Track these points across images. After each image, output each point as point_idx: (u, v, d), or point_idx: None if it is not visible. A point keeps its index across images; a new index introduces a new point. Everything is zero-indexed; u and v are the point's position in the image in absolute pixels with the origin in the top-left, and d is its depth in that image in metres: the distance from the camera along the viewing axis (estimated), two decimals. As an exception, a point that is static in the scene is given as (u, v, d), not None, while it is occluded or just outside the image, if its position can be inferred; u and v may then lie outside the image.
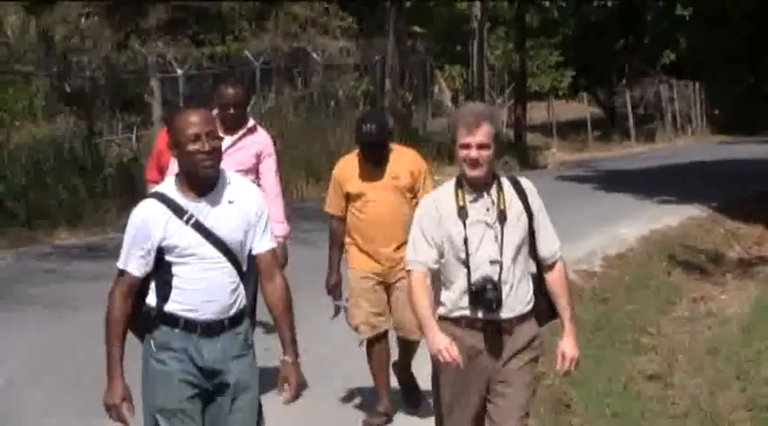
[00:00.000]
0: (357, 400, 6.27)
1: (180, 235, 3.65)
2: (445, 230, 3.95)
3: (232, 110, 5.76)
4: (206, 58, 20.26)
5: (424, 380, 5.45)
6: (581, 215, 13.34)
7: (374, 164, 5.63)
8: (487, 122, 3.93)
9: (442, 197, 4.03)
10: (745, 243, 13.86)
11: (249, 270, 3.80)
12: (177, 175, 3.73)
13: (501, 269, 3.91)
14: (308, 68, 21.70)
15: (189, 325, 3.68)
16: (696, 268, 11.75)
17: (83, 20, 20.07)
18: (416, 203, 5.56)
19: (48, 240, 12.12)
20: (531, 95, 30.68)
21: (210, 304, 3.68)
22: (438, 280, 4.02)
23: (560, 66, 34.63)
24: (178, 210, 3.66)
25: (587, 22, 31.33)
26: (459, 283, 3.95)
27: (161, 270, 3.69)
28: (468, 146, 3.90)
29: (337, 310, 5.80)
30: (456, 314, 3.98)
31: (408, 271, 4.03)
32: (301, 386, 3.83)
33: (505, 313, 3.94)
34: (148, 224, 3.66)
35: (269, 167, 5.98)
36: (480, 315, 3.94)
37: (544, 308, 4.08)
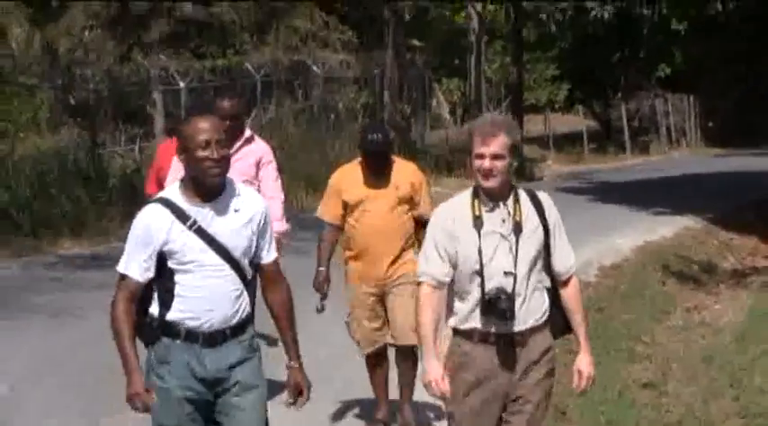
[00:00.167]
0: (356, 403, 6.30)
1: (182, 241, 3.60)
2: (459, 240, 3.87)
3: (228, 122, 5.66)
4: (207, 71, 20.32)
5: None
6: (577, 225, 13.25)
7: (376, 173, 5.57)
8: (504, 133, 3.83)
9: (457, 206, 3.95)
10: (738, 253, 13.89)
11: (252, 278, 3.79)
12: (183, 181, 3.69)
13: (515, 281, 3.84)
14: (308, 81, 21.77)
15: (191, 336, 3.64)
16: (690, 278, 11.77)
17: (86, 33, 20.10)
18: (417, 216, 5.59)
19: (52, 249, 12.15)
20: (527, 108, 30.77)
21: (213, 312, 3.64)
22: (451, 291, 3.95)
23: (557, 79, 34.76)
24: (182, 215, 3.62)
25: (583, 36, 31.41)
26: (473, 293, 3.87)
27: (163, 277, 3.65)
28: (482, 156, 3.82)
29: (321, 308, 5.68)
30: (468, 325, 3.90)
31: (419, 283, 3.95)
32: (309, 388, 3.83)
33: (518, 325, 3.87)
34: (151, 228, 3.62)
35: (269, 174, 5.99)
36: (493, 328, 3.87)
37: (559, 322, 4.02)
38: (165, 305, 3.66)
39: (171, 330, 3.65)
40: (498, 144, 3.82)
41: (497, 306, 3.81)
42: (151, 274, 3.64)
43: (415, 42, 26.97)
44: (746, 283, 11.52)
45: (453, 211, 3.94)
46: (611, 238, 13.22)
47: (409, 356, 5.60)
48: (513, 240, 3.85)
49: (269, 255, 3.79)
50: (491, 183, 3.83)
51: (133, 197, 13.06)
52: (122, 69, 19.62)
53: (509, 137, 3.84)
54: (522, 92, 28.65)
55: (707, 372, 7.51)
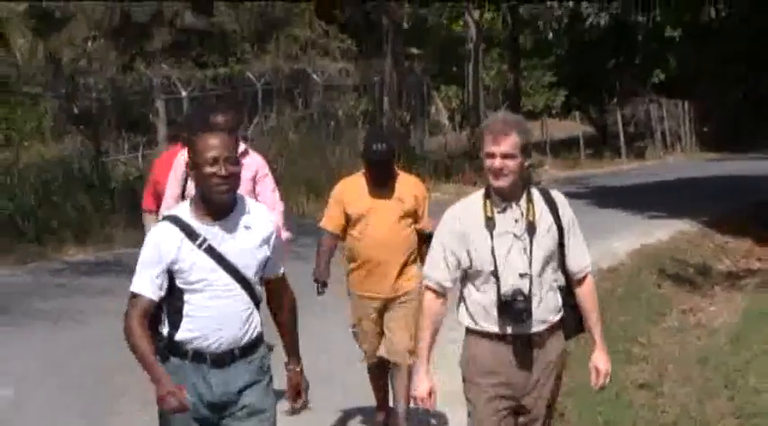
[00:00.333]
0: (357, 409, 6.29)
1: (192, 260, 3.52)
2: (471, 241, 3.78)
3: None
4: (209, 80, 20.37)
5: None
6: (574, 229, 13.36)
7: (380, 184, 5.47)
8: (515, 132, 3.74)
9: (469, 207, 3.86)
10: (733, 256, 13.90)
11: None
12: (193, 199, 3.62)
13: (530, 281, 3.76)
14: (308, 89, 21.79)
15: (198, 356, 3.56)
16: (686, 280, 11.78)
17: (89, 43, 20.15)
18: (419, 229, 5.49)
19: (56, 256, 12.17)
20: (525, 114, 30.68)
21: (222, 332, 3.55)
22: (465, 291, 3.87)
23: (553, 85, 34.78)
24: (191, 234, 3.53)
25: (579, 43, 31.46)
26: (489, 294, 3.79)
27: (172, 297, 3.56)
28: (492, 156, 3.73)
29: (321, 291, 5.58)
30: (484, 326, 3.82)
31: (426, 288, 3.90)
32: (307, 389, 3.83)
33: (536, 325, 3.80)
34: (161, 246, 3.54)
35: (266, 186, 5.98)
36: (510, 329, 3.79)
37: (572, 322, 3.95)
38: (174, 324, 3.58)
39: (179, 350, 3.57)
40: (509, 143, 3.72)
41: (514, 307, 3.73)
42: (163, 292, 3.55)
43: (414, 50, 27.00)
44: (741, 285, 11.52)
45: (465, 212, 3.85)
46: (608, 242, 13.22)
47: (402, 369, 5.56)
48: (527, 240, 3.77)
49: (278, 270, 3.73)
50: (502, 183, 3.74)
51: (136, 204, 13.03)
52: (125, 78, 19.67)
53: (521, 137, 3.75)
54: (519, 98, 28.70)
55: (702, 373, 7.52)
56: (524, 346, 3.81)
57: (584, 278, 3.94)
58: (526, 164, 3.78)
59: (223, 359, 3.58)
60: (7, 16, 18.11)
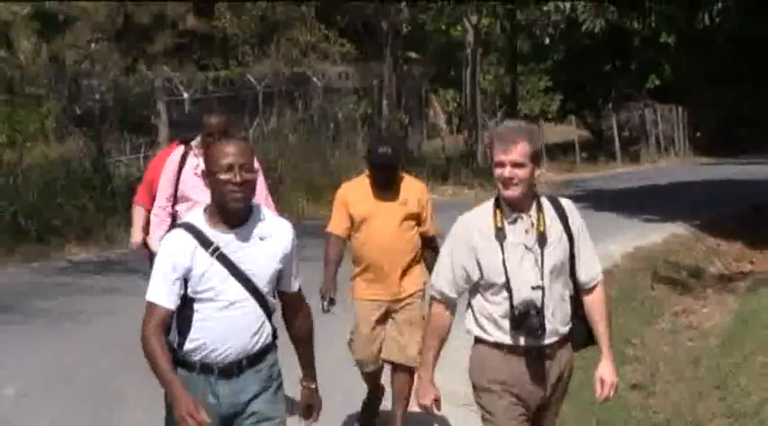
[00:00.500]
0: (356, 416, 6.28)
1: (204, 268, 3.41)
2: (481, 253, 3.66)
3: (219, 138, 5.52)
4: (211, 82, 20.38)
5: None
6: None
7: (384, 187, 5.36)
8: (524, 140, 3.61)
9: (478, 218, 3.72)
10: (725, 259, 13.93)
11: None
12: (208, 206, 3.51)
13: (543, 293, 3.63)
14: (308, 92, 21.82)
15: (205, 367, 3.47)
16: (678, 283, 11.81)
17: (92, 45, 20.15)
18: (423, 232, 5.41)
19: (59, 255, 12.18)
20: (521, 118, 30.78)
21: (231, 342, 3.45)
22: (475, 301, 3.76)
23: (550, 90, 34.83)
24: (205, 241, 3.43)
25: (576, 48, 31.49)
26: (501, 306, 3.67)
27: (183, 305, 3.45)
28: (502, 165, 3.60)
29: (326, 308, 5.40)
30: (496, 337, 3.71)
31: (432, 299, 3.80)
32: (319, 408, 3.77)
33: (548, 337, 3.67)
34: (176, 253, 3.43)
35: (260, 192, 5.86)
36: (522, 341, 3.67)
37: (580, 334, 3.81)
38: (183, 334, 3.47)
39: (186, 361, 3.48)
40: (519, 151, 3.59)
41: (528, 321, 3.61)
42: (179, 301, 3.43)
43: (413, 54, 27.03)
44: (733, 288, 11.56)
45: (475, 222, 3.72)
46: (603, 244, 13.20)
47: (405, 372, 5.48)
48: (539, 251, 3.65)
49: (294, 284, 3.61)
50: (512, 192, 3.62)
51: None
52: (127, 80, 19.67)
53: (531, 145, 3.62)
54: (516, 102, 28.70)
55: (694, 374, 7.55)
56: (537, 358, 3.71)
57: (594, 287, 3.80)
58: (536, 173, 3.67)
59: (230, 369, 3.48)
60: (12, 19, 18.11)
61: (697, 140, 35.13)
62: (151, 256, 5.60)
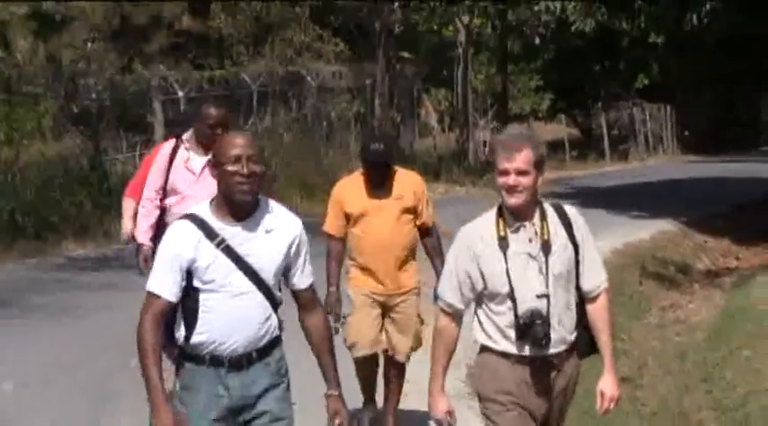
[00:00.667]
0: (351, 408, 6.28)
1: (209, 260, 3.34)
2: (484, 262, 3.58)
3: (220, 130, 5.24)
4: (206, 81, 20.36)
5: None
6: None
7: (378, 184, 5.30)
8: (528, 148, 3.52)
9: (481, 227, 3.63)
10: (712, 255, 13.99)
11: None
12: (214, 198, 3.43)
13: (548, 303, 3.54)
14: (302, 91, 21.82)
15: (215, 360, 3.39)
16: (666, 278, 11.85)
17: (89, 44, 20.12)
18: (420, 224, 5.37)
19: (56, 252, 12.18)
20: (512, 117, 30.81)
21: (238, 335, 3.38)
22: (480, 310, 3.68)
23: (540, 89, 34.84)
24: (210, 233, 3.35)
25: (566, 48, 31.53)
26: (506, 316, 3.58)
27: (188, 298, 3.37)
28: (505, 173, 3.50)
29: (335, 330, 5.28)
30: (501, 347, 3.63)
31: (440, 310, 3.71)
32: (348, 417, 3.63)
33: (554, 346, 3.59)
34: (179, 245, 3.36)
35: None
36: (528, 350, 3.59)
37: (583, 343, 3.72)
38: (189, 327, 3.39)
39: (195, 355, 3.40)
40: (523, 159, 3.51)
41: (533, 331, 3.53)
42: (181, 294, 3.36)
43: (405, 54, 27.03)
44: (719, 283, 11.61)
45: (478, 232, 3.63)
46: (592, 241, 13.28)
47: (398, 367, 5.47)
48: (543, 260, 3.56)
49: (304, 281, 3.52)
50: (516, 200, 3.53)
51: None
52: (124, 79, 19.64)
53: (534, 152, 3.54)
54: (506, 101, 28.74)
55: (681, 367, 7.58)
56: (543, 368, 3.63)
57: (598, 296, 3.70)
58: (540, 179, 3.58)
59: (240, 361, 3.41)
60: (9, 18, 18.08)
61: (685, 139, 35.20)
62: (137, 248, 5.58)
